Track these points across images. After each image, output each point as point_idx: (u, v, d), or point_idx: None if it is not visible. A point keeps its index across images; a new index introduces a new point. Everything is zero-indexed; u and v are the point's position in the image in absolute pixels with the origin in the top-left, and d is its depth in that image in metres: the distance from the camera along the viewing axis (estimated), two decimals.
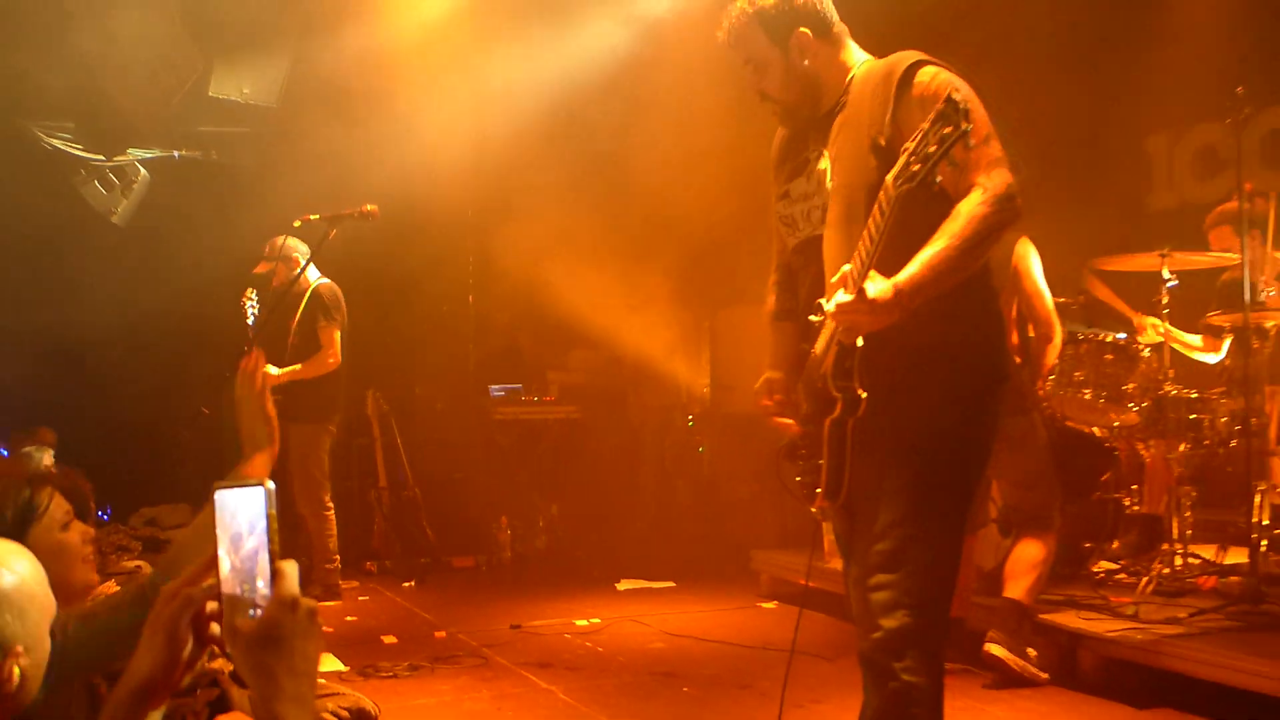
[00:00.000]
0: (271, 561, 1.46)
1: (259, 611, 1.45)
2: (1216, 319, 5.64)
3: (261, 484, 1.46)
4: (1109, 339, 5.61)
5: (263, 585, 1.45)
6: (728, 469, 8.82)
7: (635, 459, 9.77)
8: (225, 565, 1.47)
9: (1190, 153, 7.47)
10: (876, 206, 2.58)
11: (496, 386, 9.70)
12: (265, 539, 1.46)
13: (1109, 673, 4.74)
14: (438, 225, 9.68)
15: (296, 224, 6.33)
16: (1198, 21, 7.01)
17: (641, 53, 8.85)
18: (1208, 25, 6.95)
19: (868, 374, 2.72)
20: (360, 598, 7.43)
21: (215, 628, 1.50)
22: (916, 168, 2.46)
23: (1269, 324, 5.22)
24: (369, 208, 5.98)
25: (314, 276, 7.18)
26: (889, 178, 2.53)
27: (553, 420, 9.68)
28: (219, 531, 1.47)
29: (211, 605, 1.49)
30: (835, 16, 3.04)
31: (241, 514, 1.47)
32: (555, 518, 9.22)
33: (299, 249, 7.15)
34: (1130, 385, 5.50)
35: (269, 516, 1.46)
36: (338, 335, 7.22)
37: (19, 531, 2.37)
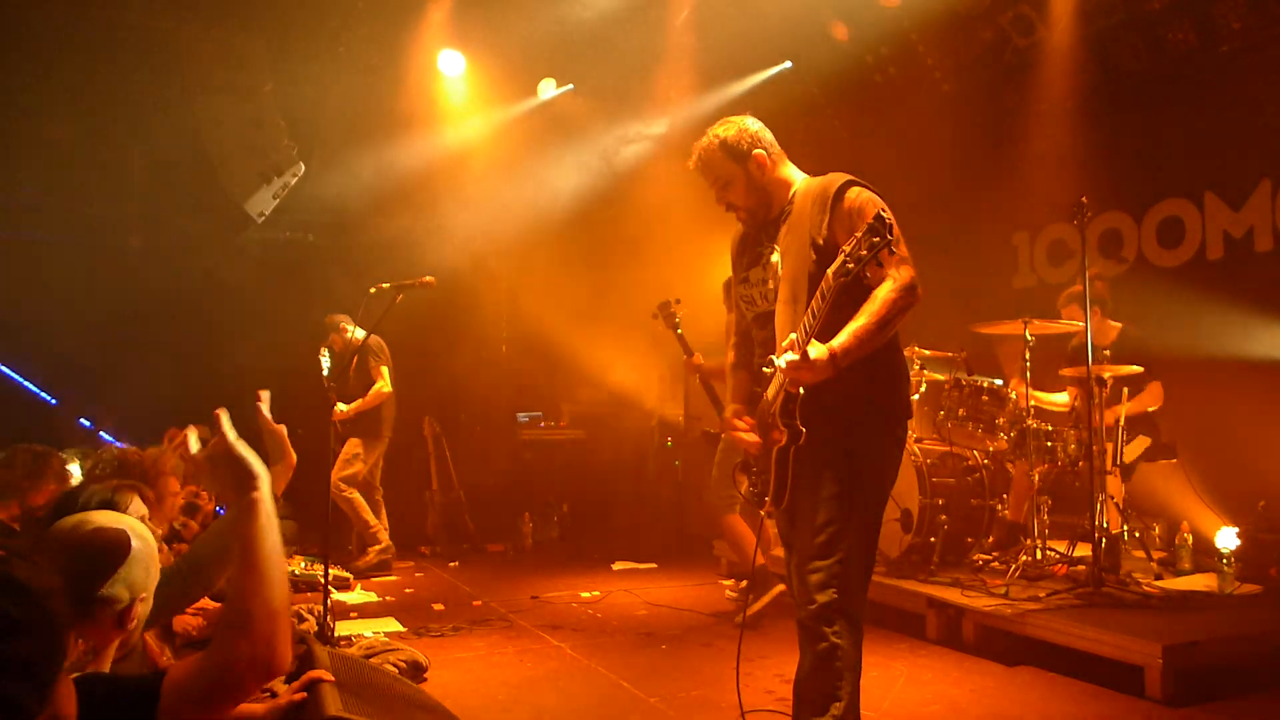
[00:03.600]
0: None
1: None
2: (1068, 372, 5.66)
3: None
4: (985, 384, 5.63)
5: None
6: (696, 478, 8.78)
7: (627, 470, 9.75)
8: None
9: (1046, 245, 7.50)
10: (819, 291, 2.58)
11: (523, 414, 9.73)
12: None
13: (985, 637, 4.72)
14: (479, 293, 9.79)
15: (371, 290, 6.21)
16: (1054, 147, 7.07)
17: (637, 167, 9.35)
18: (1061, 150, 7.01)
19: (807, 413, 2.72)
20: (416, 574, 7.34)
21: None
22: (851, 266, 2.49)
23: (1106, 374, 5.23)
24: (428, 278, 5.93)
25: (360, 334, 7.12)
26: (830, 271, 2.54)
27: (565, 440, 9.69)
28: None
29: None
30: (777, 143, 3.07)
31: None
32: (566, 514, 9.18)
33: (342, 318, 7.34)
34: (1001, 419, 5.52)
35: None
36: (386, 371, 7.26)
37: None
